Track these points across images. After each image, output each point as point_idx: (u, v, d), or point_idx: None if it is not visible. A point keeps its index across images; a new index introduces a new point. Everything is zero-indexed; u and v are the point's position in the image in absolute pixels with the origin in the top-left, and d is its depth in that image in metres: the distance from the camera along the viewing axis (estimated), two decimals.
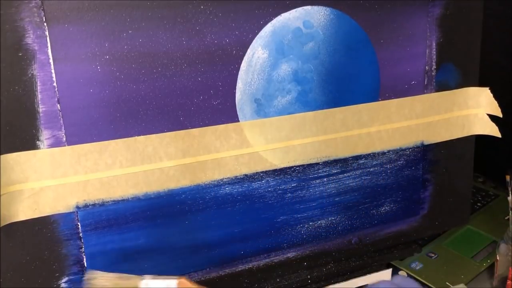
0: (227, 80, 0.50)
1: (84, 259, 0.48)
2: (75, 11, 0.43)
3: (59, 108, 0.44)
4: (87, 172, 0.46)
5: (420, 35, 0.57)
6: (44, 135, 0.44)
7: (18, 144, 0.44)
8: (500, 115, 0.60)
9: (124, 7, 0.44)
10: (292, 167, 0.55)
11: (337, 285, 0.61)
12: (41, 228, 0.46)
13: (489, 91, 0.60)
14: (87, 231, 0.48)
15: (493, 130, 0.61)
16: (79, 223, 0.47)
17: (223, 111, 0.50)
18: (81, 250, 0.48)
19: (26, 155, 0.44)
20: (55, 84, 0.44)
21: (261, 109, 0.52)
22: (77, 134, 0.45)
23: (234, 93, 0.50)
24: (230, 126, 0.51)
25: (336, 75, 0.54)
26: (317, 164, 0.56)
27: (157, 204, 0.50)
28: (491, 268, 0.62)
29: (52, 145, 0.45)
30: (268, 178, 0.54)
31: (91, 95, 0.45)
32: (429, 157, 0.62)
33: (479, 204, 0.77)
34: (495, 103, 0.60)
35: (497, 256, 0.58)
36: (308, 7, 0.51)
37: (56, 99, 0.44)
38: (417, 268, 0.64)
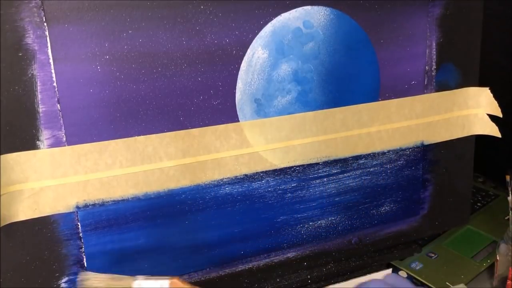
0: (227, 80, 0.50)
1: (84, 259, 0.48)
2: (75, 11, 0.43)
3: (59, 108, 0.44)
4: (87, 172, 0.46)
5: (420, 35, 0.57)
6: (44, 135, 0.44)
7: (18, 144, 0.44)
8: (500, 115, 0.60)
9: (124, 7, 0.45)
10: (292, 167, 0.55)
11: (337, 285, 0.61)
12: (41, 228, 0.46)
13: (489, 91, 0.60)
14: (87, 231, 0.48)
15: (493, 130, 0.61)
16: (79, 223, 0.47)
17: (223, 111, 0.50)
18: (81, 250, 0.48)
19: (26, 155, 0.44)
20: (55, 84, 0.44)
21: (261, 109, 0.52)
22: (77, 134, 0.45)
23: (234, 93, 0.50)
24: (230, 126, 0.51)
25: (336, 75, 0.54)
26: (317, 164, 0.56)
27: (157, 204, 0.50)
28: (491, 268, 0.62)
29: (52, 145, 0.45)
30: (268, 178, 0.54)
31: (91, 95, 0.45)
32: (429, 157, 0.62)
33: (479, 204, 0.77)
34: (495, 103, 0.60)
35: (497, 256, 0.58)
36: (308, 7, 0.51)
37: (56, 99, 0.44)
38: (417, 268, 0.64)
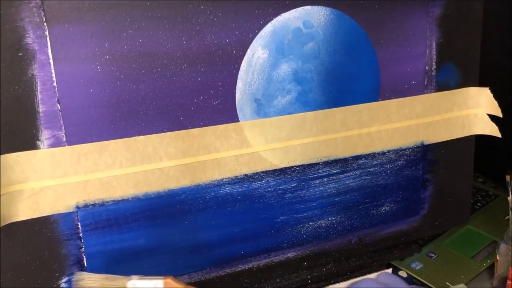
0: (227, 80, 0.50)
1: (84, 259, 0.48)
2: (75, 11, 0.43)
3: (59, 108, 0.44)
4: (87, 172, 0.46)
5: (420, 35, 0.57)
6: (44, 135, 0.44)
7: (18, 144, 0.44)
8: (500, 115, 0.60)
9: (124, 7, 0.45)
10: (292, 167, 0.55)
11: (337, 285, 0.61)
12: (41, 228, 0.46)
13: (489, 91, 0.60)
14: (87, 231, 0.48)
15: (493, 130, 0.61)
16: (79, 223, 0.47)
17: (223, 111, 0.50)
18: (81, 250, 0.48)
19: (26, 155, 0.44)
20: (55, 84, 0.44)
21: (261, 109, 0.52)
22: (77, 134, 0.45)
23: (234, 93, 0.50)
24: (230, 126, 0.51)
25: (336, 75, 0.54)
26: (317, 164, 0.56)
27: (157, 204, 0.50)
28: (491, 268, 0.62)
29: (52, 145, 0.45)
30: (268, 178, 0.54)
31: (91, 95, 0.45)
32: (429, 157, 0.62)
33: (479, 204, 0.77)
34: (495, 103, 0.60)
35: (497, 256, 0.58)
36: (308, 7, 0.51)
37: (56, 99, 0.44)
38: (417, 268, 0.64)
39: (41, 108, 0.44)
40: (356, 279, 0.60)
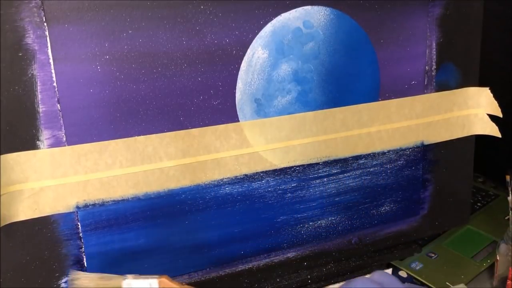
0: (227, 80, 0.50)
1: (84, 259, 0.48)
2: (75, 11, 0.43)
3: (59, 108, 0.44)
4: (87, 172, 0.46)
5: (420, 35, 0.57)
6: (44, 135, 0.44)
7: (18, 144, 0.44)
8: (500, 115, 0.60)
9: (124, 7, 0.45)
10: (292, 167, 0.55)
11: (337, 285, 0.61)
12: (41, 228, 0.46)
13: (489, 91, 0.60)
14: (87, 231, 0.48)
15: (493, 130, 0.61)
16: (79, 223, 0.47)
17: (223, 111, 0.50)
18: (81, 250, 0.48)
19: (26, 155, 0.44)
20: (55, 84, 0.44)
21: (261, 109, 0.52)
22: (77, 134, 0.45)
23: (234, 93, 0.50)
24: (230, 126, 0.51)
25: (336, 75, 0.54)
26: (317, 164, 0.56)
27: (157, 204, 0.50)
28: (491, 268, 0.62)
29: (52, 145, 0.45)
30: (268, 178, 0.54)
31: (91, 95, 0.45)
32: (429, 157, 0.62)
33: (479, 204, 0.77)
34: (495, 103, 0.60)
35: (497, 256, 0.58)
36: (308, 7, 0.51)
37: (56, 99, 0.44)
38: (417, 268, 0.64)
39: (41, 108, 0.44)
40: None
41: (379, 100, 0.57)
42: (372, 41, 0.55)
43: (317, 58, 0.53)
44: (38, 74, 0.43)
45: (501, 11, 0.73)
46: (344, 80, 0.55)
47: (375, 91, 0.57)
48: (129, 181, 0.48)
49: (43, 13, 0.42)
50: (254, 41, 0.50)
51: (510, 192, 0.57)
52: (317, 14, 0.52)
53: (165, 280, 0.42)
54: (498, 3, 0.72)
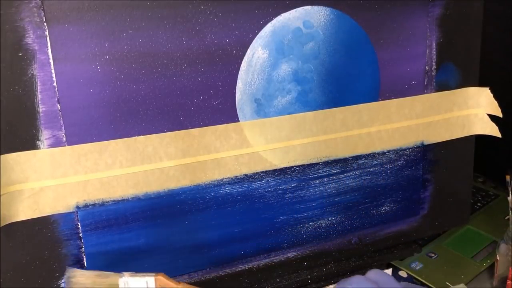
0: (227, 80, 0.50)
1: (84, 259, 0.48)
2: (75, 11, 0.43)
3: (59, 108, 0.44)
4: (87, 172, 0.46)
5: (420, 35, 0.57)
6: (44, 135, 0.44)
7: (18, 144, 0.44)
8: (500, 115, 0.60)
9: (124, 7, 0.45)
10: (292, 167, 0.55)
11: (337, 285, 0.61)
12: (41, 228, 0.46)
13: (489, 91, 0.60)
14: (87, 231, 0.48)
15: (493, 130, 0.61)
16: (79, 223, 0.47)
17: (223, 111, 0.50)
18: (81, 250, 0.48)
19: (26, 155, 0.44)
20: (55, 84, 0.44)
21: (261, 109, 0.52)
22: (77, 134, 0.45)
23: (234, 93, 0.50)
24: (230, 126, 0.51)
25: (336, 75, 0.54)
26: (317, 164, 0.56)
27: (157, 204, 0.50)
28: (491, 268, 0.62)
29: (52, 145, 0.45)
30: (268, 178, 0.54)
31: (91, 95, 0.45)
32: (429, 157, 0.62)
33: (479, 204, 0.77)
34: (495, 103, 0.60)
35: (497, 256, 0.58)
36: (308, 7, 0.51)
37: (56, 99, 0.44)
38: (417, 268, 0.64)
39: (41, 108, 0.44)
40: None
41: (379, 100, 0.57)
42: (372, 41, 0.55)
43: (317, 58, 0.53)
44: (38, 74, 0.43)
45: (501, 11, 0.73)
46: (344, 80, 0.55)
47: (375, 91, 0.57)
48: (129, 181, 0.48)
49: (43, 13, 0.42)
50: (254, 41, 0.50)
51: (510, 192, 0.57)
52: (317, 14, 0.52)
53: (161, 278, 0.42)
54: (498, 3, 0.72)
